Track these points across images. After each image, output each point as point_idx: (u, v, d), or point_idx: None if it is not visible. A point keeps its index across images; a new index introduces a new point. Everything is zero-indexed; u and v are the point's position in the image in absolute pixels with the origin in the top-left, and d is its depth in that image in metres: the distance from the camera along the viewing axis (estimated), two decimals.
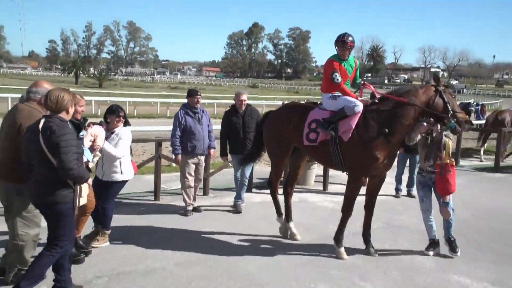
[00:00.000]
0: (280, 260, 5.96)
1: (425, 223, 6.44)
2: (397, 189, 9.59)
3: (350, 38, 6.14)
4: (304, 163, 7.51)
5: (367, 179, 6.49)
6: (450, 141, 6.12)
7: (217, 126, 8.82)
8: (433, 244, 6.42)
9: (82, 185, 4.43)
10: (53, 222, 4.39)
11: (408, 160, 9.48)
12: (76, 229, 5.14)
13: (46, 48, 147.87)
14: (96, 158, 5.71)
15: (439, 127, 5.92)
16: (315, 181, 10.42)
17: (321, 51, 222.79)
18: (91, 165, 5.52)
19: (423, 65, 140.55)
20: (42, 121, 4.25)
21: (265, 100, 41.47)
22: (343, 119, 5.92)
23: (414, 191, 8.60)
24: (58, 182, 4.25)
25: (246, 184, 8.51)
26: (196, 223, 7.40)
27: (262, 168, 11.87)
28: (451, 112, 5.72)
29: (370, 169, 6.00)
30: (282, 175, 7.63)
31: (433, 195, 6.30)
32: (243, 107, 8.15)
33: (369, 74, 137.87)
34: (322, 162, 7.11)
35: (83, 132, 5.04)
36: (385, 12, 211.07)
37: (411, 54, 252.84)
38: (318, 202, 8.97)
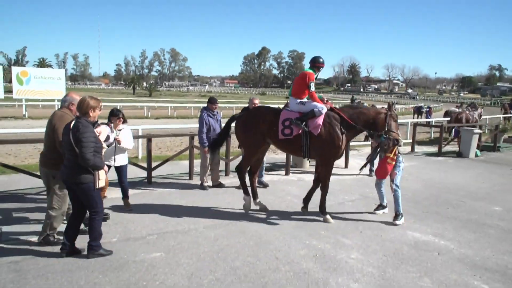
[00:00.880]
0: (282, 224, 5.91)
1: (377, 193, 6.61)
2: (370, 170, 9.46)
3: (322, 62, 6.31)
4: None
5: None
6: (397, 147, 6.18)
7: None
8: (380, 206, 6.62)
9: (100, 171, 4.37)
10: (82, 197, 4.39)
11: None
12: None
13: (114, 70, 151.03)
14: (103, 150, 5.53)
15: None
16: (310, 164, 10.31)
17: None
18: None
19: (388, 78, 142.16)
20: (73, 121, 4.33)
21: (272, 103, 41.26)
22: (312, 118, 5.93)
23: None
24: (81, 167, 4.25)
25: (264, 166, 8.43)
26: (219, 196, 7.36)
27: (269, 154, 11.75)
28: (386, 130, 5.86)
29: (335, 155, 6.03)
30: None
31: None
32: None
33: (349, 84, 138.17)
34: (291, 152, 6.74)
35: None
36: (360, 37, 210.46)
37: (379, 70, 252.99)
38: (310, 181, 8.83)
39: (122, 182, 6.37)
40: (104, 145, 5.39)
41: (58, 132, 4.60)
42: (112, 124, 6.13)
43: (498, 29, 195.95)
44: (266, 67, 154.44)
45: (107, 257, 4.50)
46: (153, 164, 8.32)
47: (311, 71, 6.15)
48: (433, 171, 10.50)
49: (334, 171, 9.95)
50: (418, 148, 14.57)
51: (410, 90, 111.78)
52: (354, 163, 10.51)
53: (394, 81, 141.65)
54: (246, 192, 6.51)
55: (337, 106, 6.50)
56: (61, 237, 4.62)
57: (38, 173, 5.53)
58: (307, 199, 6.52)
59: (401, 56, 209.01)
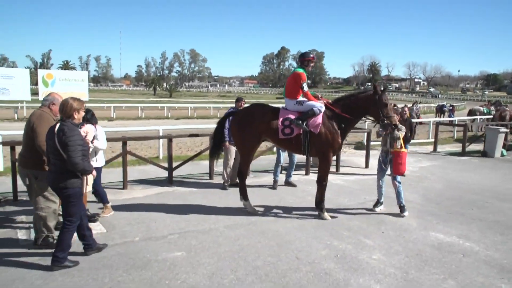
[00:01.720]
0: (303, 224, 5.88)
1: (377, 188, 6.71)
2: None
3: (312, 56, 6.31)
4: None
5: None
6: (401, 133, 6.27)
7: None
8: (378, 203, 6.68)
9: (88, 176, 4.31)
10: (65, 202, 4.24)
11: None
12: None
13: (135, 71, 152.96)
14: (90, 150, 5.28)
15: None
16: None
17: (332, 67, 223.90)
18: None
19: (409, 77, 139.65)
20: (58, 124, 4.15)
21: None
22: (311, 118, 5.94)
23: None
24: (68, 172, 4.12)
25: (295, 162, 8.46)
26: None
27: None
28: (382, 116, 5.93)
29: (334, 150, 6.11)
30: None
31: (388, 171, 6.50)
32: None
33: (369, 84, 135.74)
34: (291, 150, 6.59)
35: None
36: (380, 35, 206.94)
37: (400, 68, 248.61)
38: (331, 180, 8.73)
39: (99, 188, 5.92)
40: (91, 145, 5.27)
41: (38, 131, 4.52)
42: (97, 125, 5.82)
43: None
44: (286, 67, 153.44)
45: (131, 256, 4.58)
46: (174, 164, 8.42)
47: (301, 70, 6.11)
48: (457, 171, 10.25)
49: (355, 171, 9.95)
50: (441, 148, 14.28)
51: (432, 89, 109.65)
52: (374, 163, 10.30)
53: (416, 80, 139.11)
54: (246, 198, 6.44)
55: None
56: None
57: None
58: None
59: (422, 54, 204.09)
